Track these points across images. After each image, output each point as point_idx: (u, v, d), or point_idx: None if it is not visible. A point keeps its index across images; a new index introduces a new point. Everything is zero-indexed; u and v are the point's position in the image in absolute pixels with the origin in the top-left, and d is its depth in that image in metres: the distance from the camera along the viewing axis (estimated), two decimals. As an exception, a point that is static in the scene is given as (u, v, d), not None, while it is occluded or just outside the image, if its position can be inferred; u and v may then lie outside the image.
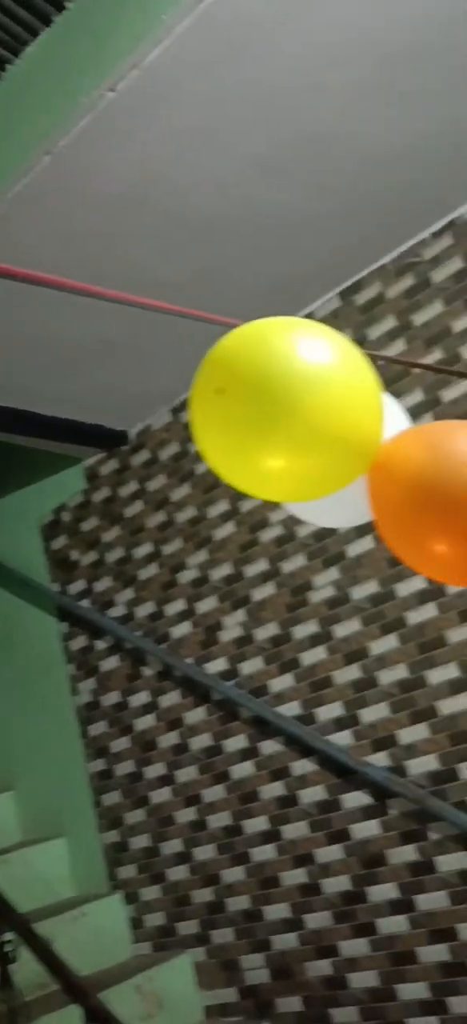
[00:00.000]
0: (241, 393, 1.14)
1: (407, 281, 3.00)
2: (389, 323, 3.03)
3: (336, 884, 2.93)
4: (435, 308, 2.91)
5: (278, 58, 2.02)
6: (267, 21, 1.92)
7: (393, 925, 2.78)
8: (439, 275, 2.91)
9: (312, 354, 1.14)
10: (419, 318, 2.95)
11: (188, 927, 3.36)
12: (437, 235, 2.92)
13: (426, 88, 2.24)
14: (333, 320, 3.13)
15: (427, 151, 2.51)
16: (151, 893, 3.49)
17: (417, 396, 2.90)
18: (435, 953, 2.68)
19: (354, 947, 2.86)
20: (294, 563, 3.19)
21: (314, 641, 3.10)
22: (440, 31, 2.07)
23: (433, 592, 2.80)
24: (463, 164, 2.62)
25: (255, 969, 3.14)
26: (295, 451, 1.12)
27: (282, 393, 1.11)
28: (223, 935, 3.24)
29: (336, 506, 1.35)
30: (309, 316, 3.20)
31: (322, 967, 2.93)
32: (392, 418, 1.35)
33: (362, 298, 3.11)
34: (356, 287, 3.13)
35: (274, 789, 3.13)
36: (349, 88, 2.17)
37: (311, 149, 2.36)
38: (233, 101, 2.12)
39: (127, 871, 3.58)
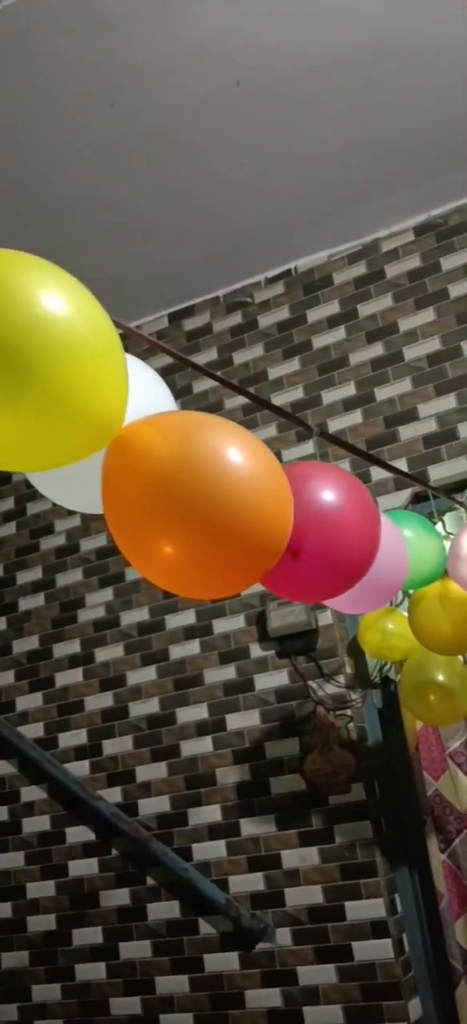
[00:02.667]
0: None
1: (235, 319, 3.45)
2: (211, 355, 3.45)
3: (42, 922, 3.10)
4: (255, 351, 3.36)
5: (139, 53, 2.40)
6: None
7: (91, 972, 2.97)
8: (265, 320, 3.38)
9: (53, 306, 1.06)
10: (239, 357, 3.38)
11: None
12: (271, 281, 3.40)
13: (288, 125, 2.69)
14: (157, 339, 3.51)
15: (274, 192, 2.96)
16: None
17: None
18: (128, 1005, 2.90)
19: (45, 992, 3.02)
20: (70, 577, 3.44)
21: (72, 662, 3.33)
22: (305, 71, 2.55)
23: (200, 629, 3.14)
24: (305, 217, 3.12)
25: None
26: (22, 412, 0.97)
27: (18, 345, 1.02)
28: None
29: (73, 484, 1.38)
30: (137, 328, 3.58)
31: (9, 1012, 3.05)
32: (148, 395, 1.42)
33: (190, 324, 3.52)
34: (187, 312, 3.54)
35: (-2, 813, 3.28)
36: (212, 100, 2.57)
37: (162, 151, 2.73)
38: (84, 79, 2.47)
39: None
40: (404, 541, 1.87)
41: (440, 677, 2.32)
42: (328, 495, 1.33)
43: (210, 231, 3.12)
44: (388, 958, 2.52)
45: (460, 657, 2.44)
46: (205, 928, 2.84)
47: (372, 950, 2.55)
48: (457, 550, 2.02)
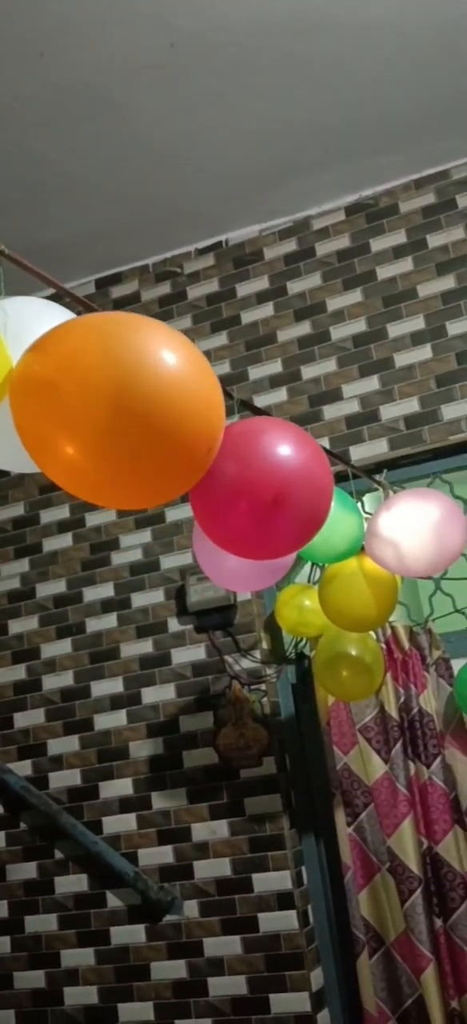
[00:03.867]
0: None
1: (164, 288, 3.54)
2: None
3: None
4: (183, 323, 3.46)
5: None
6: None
7: (-5, 947, 3.06)
8: (194, 292, 3.48)
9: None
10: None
11: None
12: (202, 252, 3.51)
13: (222, 94, 2.77)
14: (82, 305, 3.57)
15: (206, 162, 3.04)
16: None
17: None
18: (32, 979, 2.99)
19: None
20: (-15, 545, 3.49)
21: (-14, 632, 3.40)
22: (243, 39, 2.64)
23: (118, 603, 3.24)
24: (237, 190, 3.22)
25: None
26: None
27: None
28: None
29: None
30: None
31: None
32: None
33: (117, 292, 3.60)
34: (115, 279, 3.62)
35: None
36: (145, 61, 2.62)
37: (93, 110, 2.77)
38: (14, 27, 2.51)
39: None
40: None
41: (353, 652, 2.46)
42: (304, 449, 1.47)
43: (140, 197, 3.20)
44: (292, 929, 2.68)
45: (372, 634, 2.61)
46: (113, 901, 2.95)
47: (277, 921, 2.71)
48: (374, 529, 2.14)
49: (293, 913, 2.69)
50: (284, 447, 1.47)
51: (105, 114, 2.80)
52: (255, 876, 2.77)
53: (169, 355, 1.08)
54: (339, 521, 2.10)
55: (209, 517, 1.48)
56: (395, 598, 2.26)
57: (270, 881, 2.75)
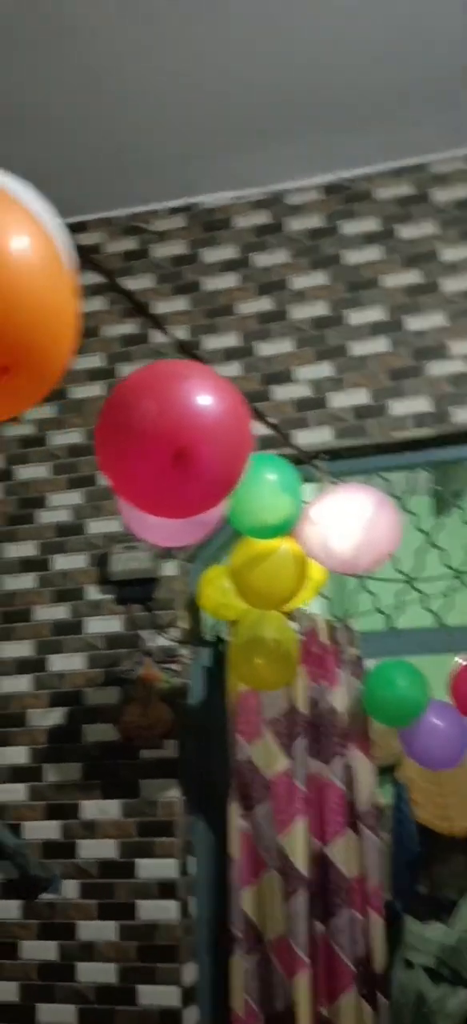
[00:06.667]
0: None
1: (129, 243, 3.77)
2: (96, 278, 3.75)
3: None
4: (144, 282, 3.68)
5: None
6: None
7: None
8: (159, 251, 3.70)
9: None
10: (127, 284, 3.70)
11: None
12: (173, 211, 3.73)
13: (203, 37, 2.98)
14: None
15: (184, 112, 3.23)
16: None
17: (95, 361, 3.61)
18: None
19: None
20: None
21: None
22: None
23: (38, 563, 3.42)
24: (206, 147, 3.45)
25: None
26: None
27: None
28: None
29: None
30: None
31: None
32: None
33: (80, 240, 3.83)
34: (78, 227, 3.85)
35: None
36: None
37: (56, 34, 2.97)
38: None
39: None
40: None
41: (270, 639, 2.62)
42: (221, 402, 1.48)
43: (103, 138, 3.41)
44: (171, 919, 2.83)
45: (292, 624, 2.78)
46: (-10, 873, 3.10)
47: (157, 910, 2.86)
48: (306, 515, 2.30)
49: (174, 903, 2.84)
50: (200, 396, 1.48)
51: (65, 39, 2.97)
52: (139, 861, 2.93)
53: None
54: (278, 491, 2.26)
55: (109, 463, 1.54)
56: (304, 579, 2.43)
57: (155, 868, 2.90)
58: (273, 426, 2.46)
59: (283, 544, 2.43)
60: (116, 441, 1.52)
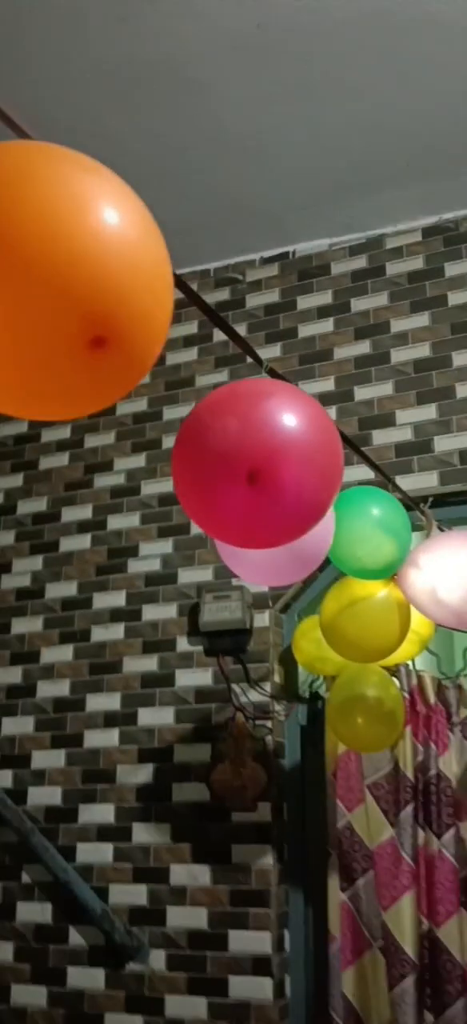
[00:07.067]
0: None
1: (222, 295, 3.71)
2: (190, 328, 3.71)
3: None
4: (237, 331, 3.61)
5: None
6: None
7: None
8: (253, 300, 3.64)
9: None
10: (220, 335, 3.64)
11: None
12: (267, 261, 3.68)
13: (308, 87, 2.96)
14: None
15: (282, 160, 3.20)
16: None
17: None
18: (-25, 1011, 3.00)
19: None
20: (2, 532, 3.67)
21: (-12, 624, 3.54)
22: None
23: (128, 613, 3.33)
24: (312, 196, 3.39)
25: None
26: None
27: None
28: None
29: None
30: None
31: None
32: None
33: (175, 295, 3.79)
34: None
35: None
36: (227, 39, 2.78)
37: (167, 89, 2.97)
38: None
39: None
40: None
41: (371, 697, 2.45)
42: (294, 416, 1.36)
43: (207, 190, 3.36)
44: (266, 999, 2.62)
45: (395, 681, 2.60)
46: (75, 938, 2.96)
47: (250, 988, 2.66)
48: (413, 561, 2.12)
49: (269, 981, 2.64)
50: (280, 412, 1.36)
51: (182, 95, 2.97)
52: (232, 933, 2.74)
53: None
54: (379, 533, 2.08)
55: (184, 488, 1.42)
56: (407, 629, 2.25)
57: (248, 941, 2.71)
58: (375, 466, 2.30)
59: (382, 589, 2.26)
60: (190, 462, 1.39)
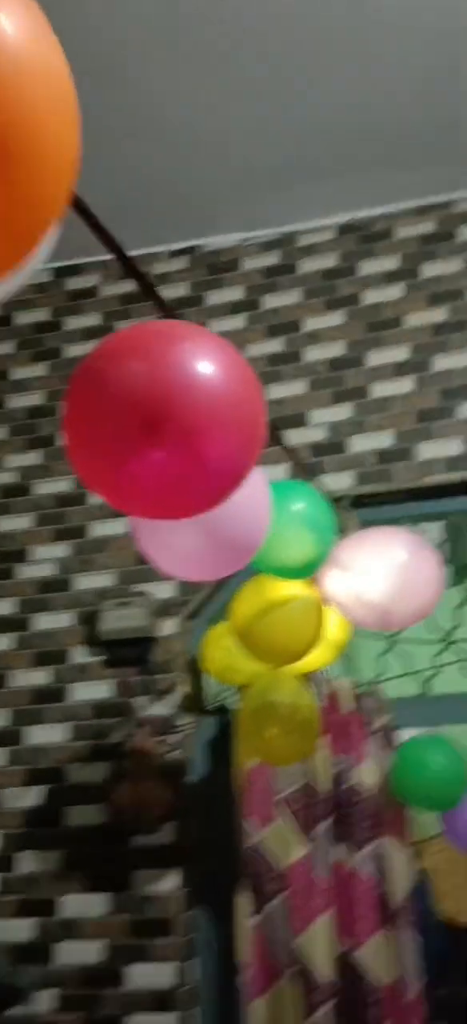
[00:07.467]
0: None
1: (126, 287, 3.52)
2: (92, 320, 3.50)
3: None
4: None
5: None
6: None
7: None
8: (161, 294, 3.45)
9: None
10: (121, 326, 3.44)
11: None
12: (175, 255, 3.51)
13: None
14: (36, 294, 3.54)
15: (187, 160, 3.08)
16: None
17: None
18: None
19: None
20: None
21: None
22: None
23: (18, 622, 3.06)
24: (219, 191, 3.25)
25: None
26: None
27: None
28: None
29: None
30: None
31: None
32: None
33: (75, 284, 3.58)
34: (73, 270, 3.60)
35: None
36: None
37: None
38: None
39: None
40: (268, 495, 1.76)
41: (286, 705, 2.28)
42: (211, 363, 1.14)
43: (130, 176, 3.18)
44: (168, 1039, 2.39)
45: (312, 687, 2.45)
46: None
47: (151, 1028, 2.42)
48: (334, 560, 1.97)
49: (172, 1017, 2.40)
50: (194, 358, 1.12)
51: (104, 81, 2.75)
52: (132, 967, 2.49)
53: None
54: (307, 525, 1.92)
55: (79, 445, 1.16)
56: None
57: (149, 975, 2.48)
58: (295, 459, 2.16)
59: (300, 589, 2.10)
60: (87, 414, 1.15)
